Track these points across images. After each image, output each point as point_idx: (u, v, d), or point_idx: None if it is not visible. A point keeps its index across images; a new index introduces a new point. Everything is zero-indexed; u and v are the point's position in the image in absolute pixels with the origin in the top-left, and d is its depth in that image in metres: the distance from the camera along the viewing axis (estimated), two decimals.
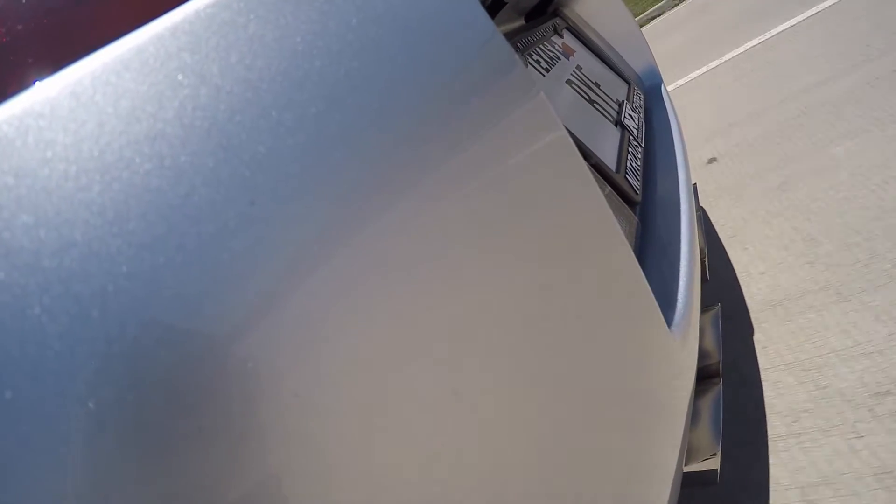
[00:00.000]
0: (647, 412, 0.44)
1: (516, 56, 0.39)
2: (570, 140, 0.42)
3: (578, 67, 1.11)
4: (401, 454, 0.27)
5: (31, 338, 0.21)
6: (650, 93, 1.41)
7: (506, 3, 0.93)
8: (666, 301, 0.60)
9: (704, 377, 0.67)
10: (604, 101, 1.05)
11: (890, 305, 0.92)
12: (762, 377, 0.96)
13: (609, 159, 0.84)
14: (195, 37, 0.28)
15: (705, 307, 0.82)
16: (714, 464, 0.55)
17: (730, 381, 0.98)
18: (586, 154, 0.77)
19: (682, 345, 0.53)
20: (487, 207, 0.33)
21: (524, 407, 0.33)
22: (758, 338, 1.04)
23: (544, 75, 0.91)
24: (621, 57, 1.47)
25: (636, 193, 0.82)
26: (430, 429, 0.28)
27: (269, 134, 0.27)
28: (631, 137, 1.00)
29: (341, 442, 0.25)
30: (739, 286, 1.19)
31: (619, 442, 0.40)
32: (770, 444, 0.85)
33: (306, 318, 0.25)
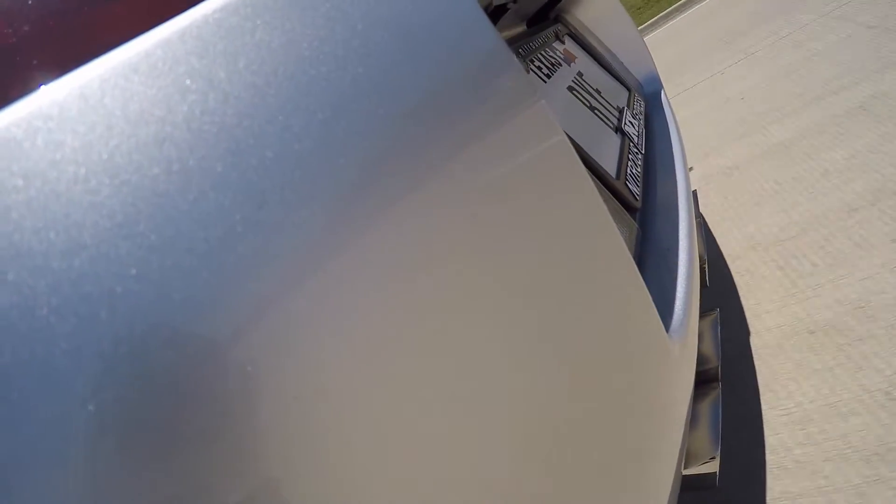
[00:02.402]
0: (646, 416, 0.44)
1: (518, 62, 0.40)
2: (571, 146, 0.42)
3: (580, 74, 1.12)
4: (401, 455, 0.27)
5: (39, 338, 0.21)
6: (651, 99, 1.42)
7: (508, 9, 0.93)
8: (665, 307, 0.60)
9: (703, 381, 0.68)
10: (604, 107, 1.06)
11: None
12: None
13: (609, 166, 0.84)
14: (203, 41, 0.28)
15: (704, 312, 0.82)
16: (713, 467, 0.55)
17: None
18: (586, 160, 0.77)
19: (681, 350, 0.53)
20: (489, 213, 0.34)
21: (523, 412, 0.33)
22: None
23: (545, 81, 0.92)
24: (622, 63, 1.48)
25: (636, 200, 0.82)
26: (429, 432, 0.28)
27: (277, 138, 0.27)
28: (631, 144, 1.00)
29: (343, 444, 0.25)
30: None
31: (618, 446, 0.40)
32: None
33: (314, 322, 0.25)
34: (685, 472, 0.55)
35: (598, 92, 1.11)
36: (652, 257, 0.72)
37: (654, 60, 1.50)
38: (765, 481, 0.81)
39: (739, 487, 0.83)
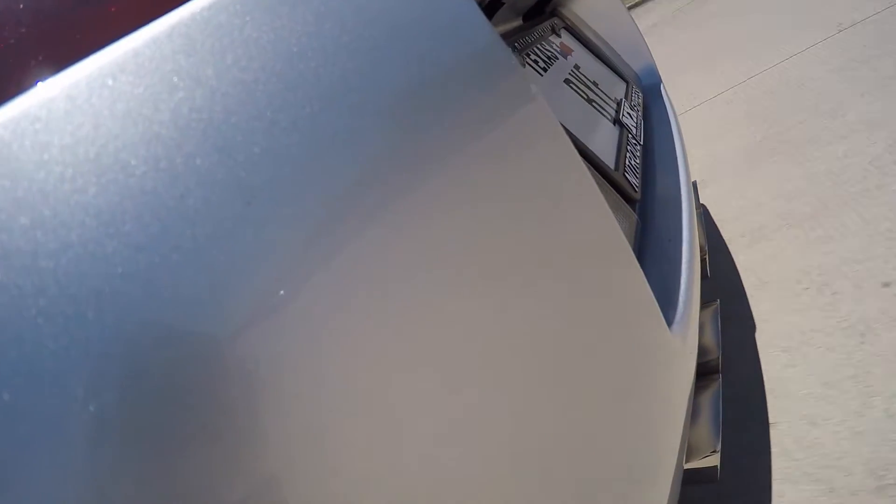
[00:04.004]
0: (647, 411, 0.44)
1: (513, 56, 0.39)
2: (568, 139, 0.42)
3: (576, 67, 1.12)
4: (400, 454, 0.27)
5: (27, 338, 0.21)
6: (649, 91, 1.41)
7: (503, 3, 0.93)
8: (666, 299, 0.60)
9: (704, 373, 0.67)
10: (602, 99, 1.05)
11: None
12: None
13: (608, 157, 0.84)
14: (191, 39, 0.28)
15: (704, 303, 0.82)
16: (714, 461, 0.55)
17: None
18: (584, 152, 0.77)
19: (682, 343, 0.53)
20: (485, 207, 0.33)
21: (524, 406, 0.33)
22: None
23: (542, 75, 0.92)
24: (619, 56, 1.47)
25: (635, 191, 0.82)
26: (429, 429, 0.28)
27: (265, 135, 0.27)
28: (630, 136, 1.00)
29: (342, 443, 0.25)
30: None
31: (619, 441, 0.40)
32: None
33: (303, 319, 0.25)
34: (686, 467, 0.55)
35: (596, 84, 1.11)
36: (652, 249, 0.71)
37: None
38: None
39: None
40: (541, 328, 0.35)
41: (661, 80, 1.45)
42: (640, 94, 1.33)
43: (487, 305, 0.32)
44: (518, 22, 1.28)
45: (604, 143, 0.87)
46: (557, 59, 1.06)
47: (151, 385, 0.22)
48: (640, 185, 0.88)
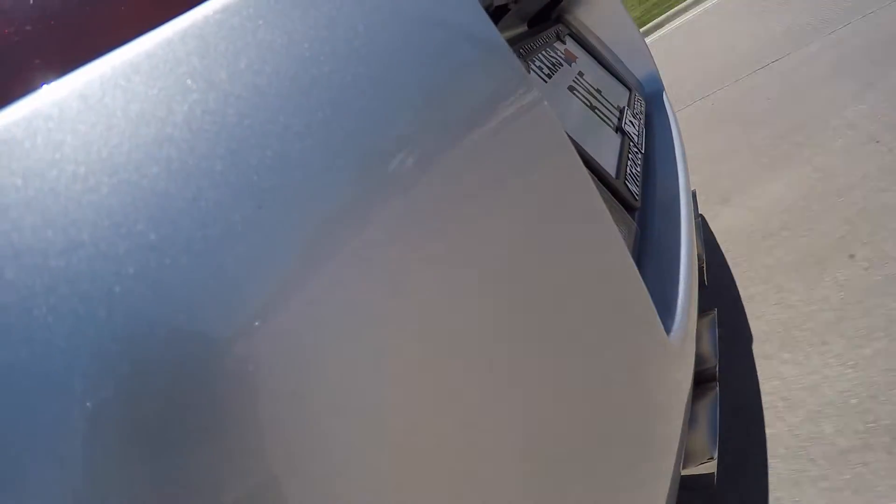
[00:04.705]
0: (645, 417, 0.44)
1: (519, 62, 0.40)
2: (572, 146, 0.42)
3: (580, 73, 1.12)
4: (399, 455, 0.27)
5: (37, 337, 0.21)
6: (651, 99, 1.42)
7: (509, 10, 0.93)
8: (664, 307, 0.60)
9: (701, 381, 0.68)
10: (605, 107, 1.06)
11: None
12: None
13: (609, 165, 0.84)
14: (204, 41, 0.28)
15: (702, 312, 0.82)
16: (711, 468, 0.55)
17: None
18: (587, 160, 0.77)
19: (680, 351, 0.53)
20: (488, 212, 0.34)
21: (523, 413, 0.33)
22: None
23: (546, 81, 0.92)
24: (623, 63, 1.48)
25: (635, 199, 0.82)
26: (427, 431, 0.28)
27: (277, 138, 0.27)
28: (631, 143, 1.00)
29: (342, 443, 0.25)
30: None
31: (617, 447, 0.40)
32: None
33: (312, 321, 0.25)
34: (683, 473, 0.55)
35: (599, 91, 1.11)
36: (651, 257, 0.72)
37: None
38: None
39: None
40: (540, 335, 0.35)
41: (663, 88, 1.45)
42: (642, 102, 1.33)
43: (488, 312, 0.32)
44: (523, 28, 1.28)
45: (606, 151, 0.88)
46: (562, 65, 1.06)
47: (162, 385, 0.22)
48: (641, 193, 0.88)
